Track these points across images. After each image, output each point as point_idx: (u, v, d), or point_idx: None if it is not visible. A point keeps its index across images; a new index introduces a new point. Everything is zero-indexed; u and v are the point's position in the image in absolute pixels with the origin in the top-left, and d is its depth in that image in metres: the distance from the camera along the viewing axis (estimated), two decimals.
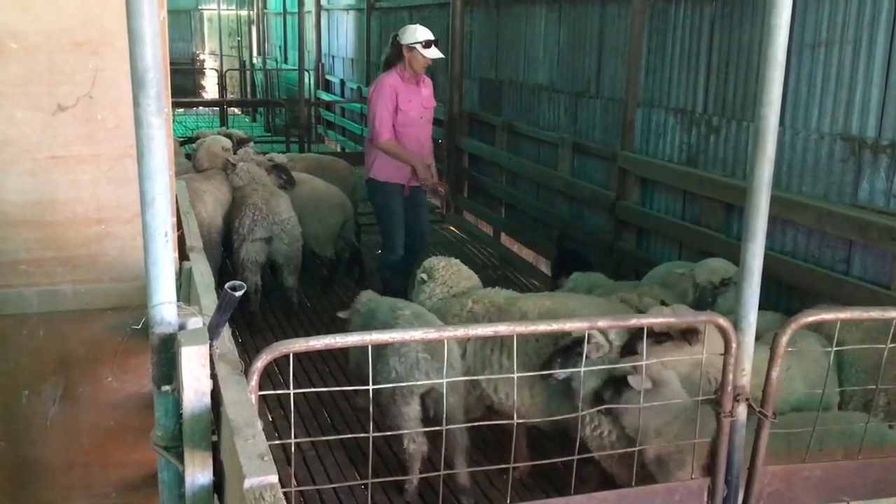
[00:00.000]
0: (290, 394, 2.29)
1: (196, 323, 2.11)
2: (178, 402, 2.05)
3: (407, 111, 6.42)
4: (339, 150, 14.30)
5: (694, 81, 5.86)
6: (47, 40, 2.72)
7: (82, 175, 2.87)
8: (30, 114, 2.76)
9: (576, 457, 2.88)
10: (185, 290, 2.93)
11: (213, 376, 2.02)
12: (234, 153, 7.06)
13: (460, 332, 2.46)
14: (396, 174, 6.48)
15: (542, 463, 3.07)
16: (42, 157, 2.81)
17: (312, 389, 2.24)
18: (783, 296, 5.00)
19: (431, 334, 2.42)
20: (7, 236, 2.84)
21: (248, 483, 1.58)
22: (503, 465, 2.76)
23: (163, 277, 2.00)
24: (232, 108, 18.64)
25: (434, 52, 6.33)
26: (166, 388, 2.07)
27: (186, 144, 8.00)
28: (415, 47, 6.28)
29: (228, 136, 7.70)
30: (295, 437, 2.41)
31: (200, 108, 18.53)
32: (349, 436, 2.73)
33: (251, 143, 7.59)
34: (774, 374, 2.73)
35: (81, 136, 2.84)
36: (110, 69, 2.79)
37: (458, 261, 4.71)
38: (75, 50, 2.76)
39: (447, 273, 4.53)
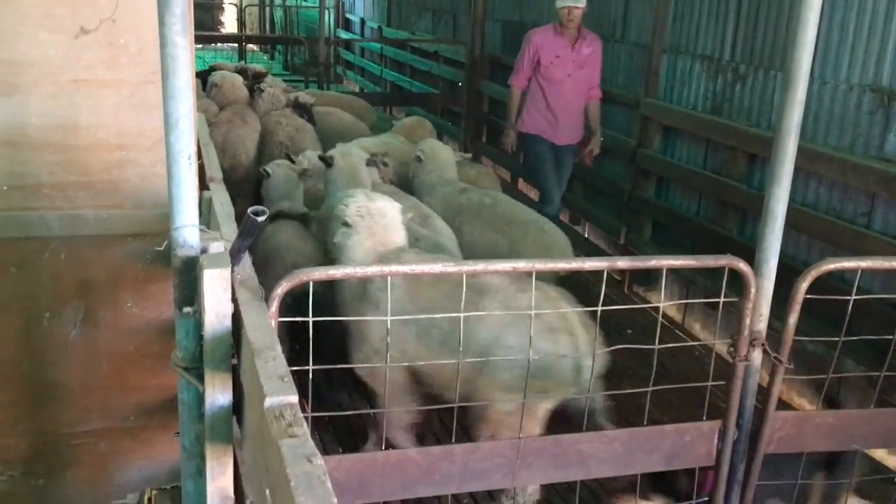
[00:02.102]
0: (308, 321, 2.31)
1: (218, 247, 2.12)
2: (198, 325, 2.06)
3: (547, 67, 6.35)
4: (357, 90, 14.16)
5: (723, 27, 5.75)
6: None
7: (104, 100, 2.86)
8: (53, 35, 2.74)
9: (588, 395, 2.90)
10: (206, 219, 2.94)
11: (234, 300, 2.03)
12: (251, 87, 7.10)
13: (480, 266, 2.46)
14: (543, 129, 6.47)
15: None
16: (65, 79, 2.80)
17: (331, 318, 2.25)
18: (802, 247, 4.97)
19: (450, 268, 2.43)
20: (30, 159, 2.85)
21: (268, 402, 1.59)
22: (516, 400, 2.79)
23: (186, 200, 2.00)
24: (250, 45, 18.47)
25: (562, 1, 6.20)
26: (188, 309, 2.08)
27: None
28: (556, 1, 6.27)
29: (244, 70, 7.68)
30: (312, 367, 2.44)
31: (219, 43, 18.34)
32: (364, 366, 2.75)
33: (268, 77, 7.56)
34: (791, 320, 2.73)
35: (104, 61, 2.82)
36: None
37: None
38: None
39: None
